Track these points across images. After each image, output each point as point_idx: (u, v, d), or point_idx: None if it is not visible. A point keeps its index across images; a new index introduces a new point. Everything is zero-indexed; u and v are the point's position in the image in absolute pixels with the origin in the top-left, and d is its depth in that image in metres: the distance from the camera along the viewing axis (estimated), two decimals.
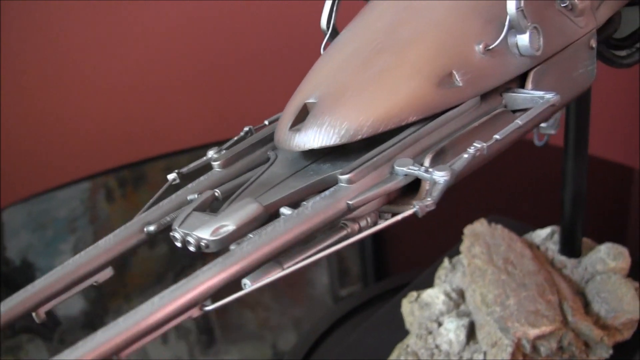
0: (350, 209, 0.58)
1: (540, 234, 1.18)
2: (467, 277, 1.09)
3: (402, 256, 1.52)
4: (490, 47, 0.67)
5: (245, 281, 0.55)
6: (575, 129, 1.04)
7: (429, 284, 1.15)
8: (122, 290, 1.45)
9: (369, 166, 0.59)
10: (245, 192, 0.62)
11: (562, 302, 1.03)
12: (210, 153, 0.69)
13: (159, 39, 1.90)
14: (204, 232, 0.56)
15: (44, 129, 1.92)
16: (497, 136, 0.62)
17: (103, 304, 1.44)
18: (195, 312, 0.53)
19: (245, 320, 1.35)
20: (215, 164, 0.68)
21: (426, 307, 1.09)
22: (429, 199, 0.56)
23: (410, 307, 1.11)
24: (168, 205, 0.64)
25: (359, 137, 0.62)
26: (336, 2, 0.78)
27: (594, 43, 0.77)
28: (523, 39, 0.67)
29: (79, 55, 1.89)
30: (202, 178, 0.67)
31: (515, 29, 0.66)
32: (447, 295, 1.09)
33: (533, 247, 1.16)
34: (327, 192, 0.58)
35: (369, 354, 1.10)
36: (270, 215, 0.59)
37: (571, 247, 1.13)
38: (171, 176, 0.68)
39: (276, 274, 0.55)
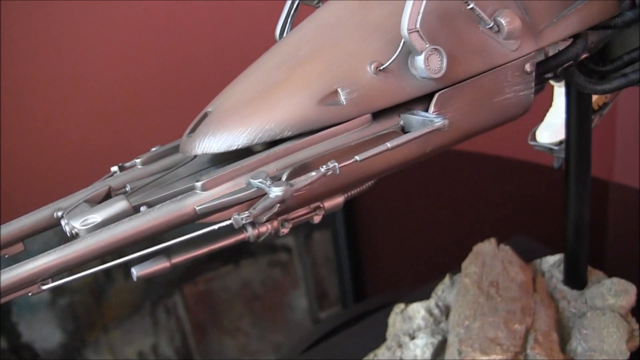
0: (198, 214, 0.59)
1: (549, 261, 1.15)
2: (455, 295, 1.09)
3: (381, 277, 1.53)
4: (382, 68, 0.66)
5: (133, 270, 0.59)
6: (576, 155, 1.01)
7: (424, 297, 1.14)
8: (100, 322, 1.45)
9: (224, 176, 0.61)
10: (143, 188, 0.65)
11: (529, 332, 1.00)
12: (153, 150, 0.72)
13: (159, 46, 1.90)
14: (76, 222, 0.60)
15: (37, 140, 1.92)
16: (357, 157, 0.61)
17: (81, 335, 1.43)
18: (34, 289, 0.59)
19: (225, 346, 1.34)
20: (137, 161, 0.70)
21: (408, 320, 1.09)
22: (249, 212, 0.57)
23: (394, 318, 1.10)
24: (82, 195, 0.67)
25: (235, 147, 0.63)
26: (291, 13, 0.79)
27: (530, 67, 0.74)
28: (418, 61, 0.65)
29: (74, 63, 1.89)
30: (122, 173, 0.70)
31: (411, 50, 0.65)
32: (429, 311, 1.09)
33: (537, 273, 1.13)
34: (179, 197, 0.60)
35: (345, 357, 1.10)
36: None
37: (574, 278, 1.09)
38: (114, 168, 0.71)
39: (163, 267, 0.60)
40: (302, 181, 0.59)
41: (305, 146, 0.64)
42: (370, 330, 1.16)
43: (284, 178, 0.61)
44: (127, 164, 0.71)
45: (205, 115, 0.67)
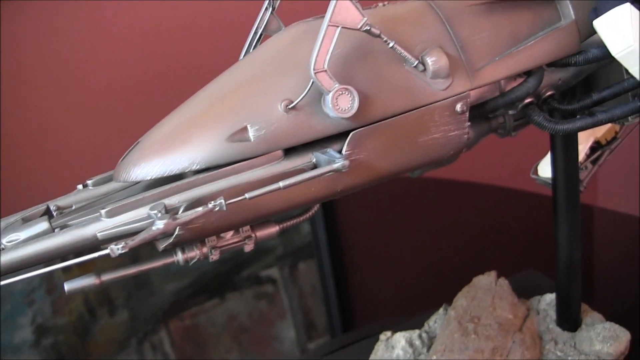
0: (99, 240, 0.62)
1: (546, 299, 1.14)
2: (440, 327, 1.08)
3: (370, 306, 1.52)
4: (291, 106, 0.66)
5: (65, 285, 0.64)
6: (564, 196, 1.00)
7: (418, 326, 1.14)
8: None
9: (128, 205, 0.63)
10: (77, 210, 0.67)
11: None
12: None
13: (160, 48, 1.89)
14: (4, 238, 0.63)
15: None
16: (247, 195, 0.62)
17: None
18: None
19: None
20: (89, 182, 0.72)
21: (390, 348, 1.08)
22: (125, 242, 0.59)
23: (378, 346, 1.10)
24: (28, 212, 0.69)
25: (150, 177, 0.65)
26: (253, 44, 0.79)
27: (461, 107, 0.73)
28: (327, 100, 0.65)
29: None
30: (72, 193, 0.71)
31: (320, 89, 0.65)
32: (409, 341, 1.08)
33: (532, 311, 1.12)
34: (85, 222, 0.63)
35: None
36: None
37: (567, 319, 1.08)
38: (79, 186, 0.73)
39: (92, 283, 0.65)
40: (186, 215, 0.61)
41: (209, 181, 0.65)
42: (358, 357, 1.15)
43: (180, 211, 0.62)
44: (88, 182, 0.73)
45: (137, 144, 0.68)
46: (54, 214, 0.68)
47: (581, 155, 1.10)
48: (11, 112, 1.83)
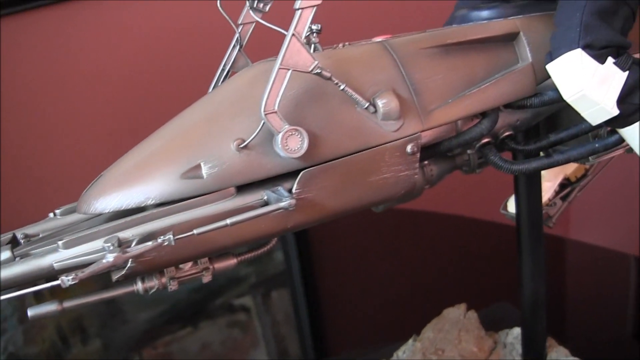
0: (56, 270, 0.64)
1: (514, 333, 1.15)
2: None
3: (343, 335, 1.52)
4: (243, 145, 0.68)
5: (28, 311, 0.66)
6: (528, 234, 1.01)
7: (388, 356, 1.15)
8: None
9: (85, 237, 0.65)
10: (42, 238, 0.69)
11: None
12: None
13: (162, 50, 1.89)
14: None
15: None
16: (195, 231, 0.64)
17: None
18: None
19: None
20: (57, 211, 0.73)
21: None
22: (75, 274, 0.61)
23: None
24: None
25: (107, 211, 0.67)
26: (221, 79, 0.81)
27: (412, 148, 0.74)
28: (276, 140, 0.67)
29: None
30: (42, 221, 0.73)
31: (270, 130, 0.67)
32: None
33: (499, 345, 1.13)
34: (43, 252, 0.65)
35: None
36: None
37: (532, 354, 1.08)
38: (51, 214, 0.74)
39: (54, 310, 0.66)
40: (136, 249, 0.63)
41: (162, 215, 0.67)
42: None
43: (133, 244, 0.64)
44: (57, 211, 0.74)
45: (99, 177, 0.70)
46: (21, 242, 0.70)
47: (550, 192, 1.11)
48: (11, 118, 1.83)
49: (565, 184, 1.12)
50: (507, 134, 0.86)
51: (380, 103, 0.72)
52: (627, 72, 0.77)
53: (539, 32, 0.82)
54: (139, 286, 0.70)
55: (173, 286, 0.72)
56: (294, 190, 0.69)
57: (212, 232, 0.65)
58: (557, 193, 1.12)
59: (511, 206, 1.12)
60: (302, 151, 0.68)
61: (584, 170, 1.12)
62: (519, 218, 1.00)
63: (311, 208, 0.70)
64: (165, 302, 1.49)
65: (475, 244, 1.65)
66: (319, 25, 0.75)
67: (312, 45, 0.75)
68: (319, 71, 0.68)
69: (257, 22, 0.78)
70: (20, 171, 1.86)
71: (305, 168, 0.69)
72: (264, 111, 0.66)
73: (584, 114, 0.78)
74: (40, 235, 0.70)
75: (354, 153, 0.71)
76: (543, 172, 1.09)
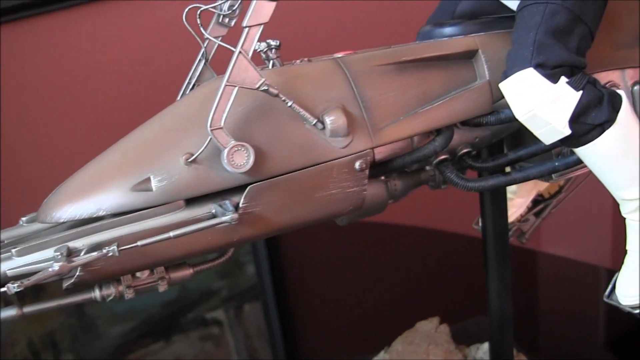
0: (9, 277, 0.66)
1: (484, 348, 1.16)
2: None
3: (315, 347, 1.53)
4: (190, 159, 0.70)
5: None
6: (494, 252, 1.00)
7: None
8: None
9: (38, 245, 0.68)
10: (8, 244, 0.71)
11: None
12: None
13: (163, 51, 1.88)
14: None
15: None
16: (139, 242, 0.66)
17: None
18: None
19: None
20: (23, 219, 0.75)
21: None
22: (21, 282, 0.63)
23: None
24: None
25: (62, 220, 0.69)
26: (188, 91, 0.82)
27: (360, 165, 0.75)
28: (222, 156, 0.69)
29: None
30: (7, 229, 0.74)
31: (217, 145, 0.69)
32: None
33: (469, 359, 1.14)
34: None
35: None
36: None
37: None
38: (21, 221, 0.76)
39: (14, 315, 0.68)
40: (82, 259, 0.65)
41: (113, 226, 0.69)
42: None
43: (81, 254, 0.66)
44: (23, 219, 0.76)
45: (59, 187, 0.72)
46: None
47: (522, 208, 1.11)
48: (12, 118, 1.82)
49: (539, 200, 1.12)
50: (465, 150, 0.86)
51: (328, 120, 0.73)
52: (580, 92, 0.77)
53: (498, 49, 0.82)
54: (97, 294, 0.72)
55: (129, 294, 0.73)
56: (240, 205, 0.71)
57: (158, 244, 0.67)
58: (529, 209, 1.12)
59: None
60: (248, 166, 0.69)
61: (558, 187, 1.12)
62: (485, 234, 1.00)
63: (258, 222, 0.72)
64: (138, 316, 1.49)
65: (454, 257, 1.66)
66: (278, 41, 0.76)
67: (271, 62, 0.77)
68: (266, 88, 0.70)
69: (223, 35, 0.80)
70: (20, 174, 1.86)
71: (253, 183, 0.71)
72: (210, 127, 0.68)
73: (537, 133, 0.79)
74: (5, 242, 0.72)
75: (302, 169, 0.73)
76: (514, 188, 1.10)
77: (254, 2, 0.69)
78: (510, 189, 1.10)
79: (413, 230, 1.70)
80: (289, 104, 0.71)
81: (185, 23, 0.77)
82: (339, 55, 0.80)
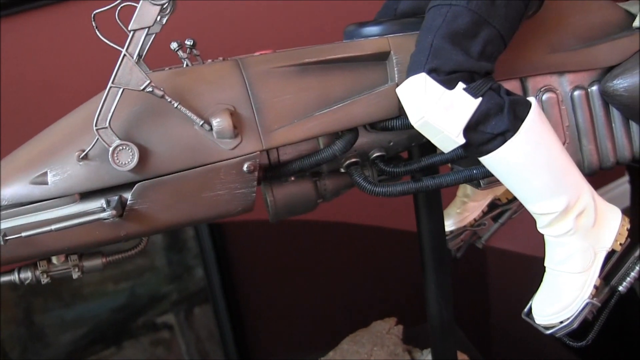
0: None
1: (430, 352, 1.13)
2: None
3: (268, 349, 1.52)
4: (82, 156, 0.73)
5: None
6: (431, 254, 0.99)
7: None
8: None
9: None
10: None
11: None
12: None
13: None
14: None
15: None
16: (23, 234, 0.72)
17: None
18: None
19: None
20: None
21: None
22: None
23: None
24: None
25: None
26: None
27: (249, 167, 0.76)
28: (108, 154, 0.72)
29: None
30: None
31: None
32: None
33: None
34: None
35: None
36: None
37: None
38: None
39: None
40: None
41: (13, 216, 0.74)
42: None
43: None
44: None
45: None
46: None
47: (477, 212, 1.10)
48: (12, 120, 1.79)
49: (497, 204, 1.10)
50: (377, 154, 0.85)
51: (214, 122, 0.74)
52: (479, 99, 0.74)
53: (410, 51, 0.79)
54: (16, 276, 0.78)
55: (45, 279, 0.79)
56: (128, 201, 0.74)
57: (46, 235, 0.72)
58: (485, 213, 1.11)
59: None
60: (132, 165, 0.72)
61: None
62: (421, 240, 0.99)
63: (145, 219, 0.75)
64: (87, 323, 1.47)
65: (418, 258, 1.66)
66: (192, 40, 0.77)
67: (185, 62, 0.79)
68: (151, 90, 0.72)
69: (158, 33, 0.80)
70: None
71: (141, 181, 0.74)
72: (96, 127, 0.72)
73: (433, 140, 0.77)
74: None
75: (189, 169, 0.75)
76: (469, 192, 1.08)
77: (139, 5, 0.71)
78: (465, 192, 1.09)
79: (376, 230, 1.69)
80: (175, 105, 0.73)
81: (118, 20, 0.77)
82: (243, 56, 0.81)
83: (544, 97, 0.87)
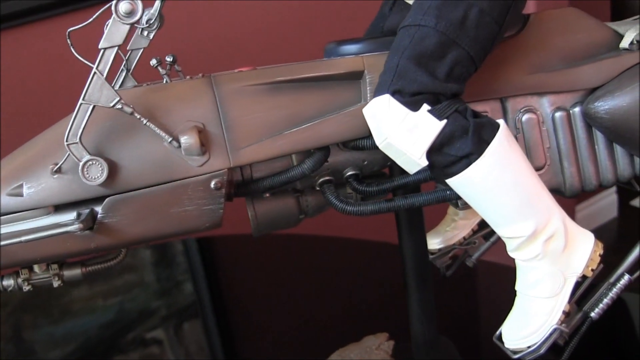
0: None
1: None
2: None
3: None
4: (54, 169, 0.76)
5: None
6: (414, 272, 0.98)
7: None
8: None
9: None
10: None
11: None
12: None
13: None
14: None
15: None
16: None
17: None
18: None
19: None
20: None
21: None
22: None
23: None
24: None
25: None
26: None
27: (216, 184, 0.77)
28: (79, 169, 0.75)
29: None
30: None
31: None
32: None
33: None
34: None
35: None
36: None
37: None
38: None
39: None
40: None
41: None
42: None
43: None
44: None
45: None
46: None
47: (466, 230, 1.09)
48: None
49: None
50: (350, 173, 0.86)
51: (182, 139, 0.76)
52: (444, 121, 0.73)
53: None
54: None
55: (27, 287, 0.81)
56: (98, 215, 0.76)
57: (18, 246, 0.75)
58: (475, 232, 1.10)
59: (430, 243, 1.09)
60: (102, 179, 0.75)
61: None
62: (403, 258, 0.98)
63: (114, 232, 0.77)
64: (77, 339, 1.47)
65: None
66: (172, 56, 0.79)
67: (165, 78, 0.81)
68: (121, 107, 0.74)
69: (145, 47, 0.81)
70: None
71: (111, 195, 0.76)
72: (66, 142, 0.74)
73: (398, 161, 0.77)
74: None
75: (158, 184, 0.77)
76: (459, 210, 1.09)
77: (109, 24, 0.73)
78: (455, 210, 1.08)
79: (372, 244, 1.68)
80: (144, 122, 0.74)
81: (72, 49, 0.79)
82: (218, 73, 0.82)
83: (524, 117, 0.86)
